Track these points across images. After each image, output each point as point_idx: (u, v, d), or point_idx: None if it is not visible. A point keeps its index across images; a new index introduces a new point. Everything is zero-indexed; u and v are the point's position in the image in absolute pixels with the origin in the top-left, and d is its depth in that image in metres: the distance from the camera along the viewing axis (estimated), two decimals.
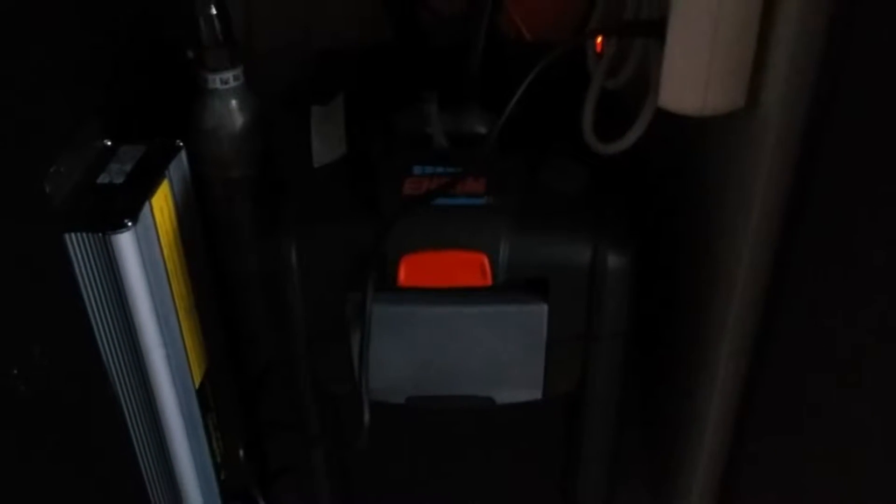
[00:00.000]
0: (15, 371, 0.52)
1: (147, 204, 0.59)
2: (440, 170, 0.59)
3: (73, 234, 0.56)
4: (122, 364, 0.62)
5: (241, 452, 0.77)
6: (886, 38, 0.43)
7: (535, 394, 0.63)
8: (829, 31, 0.45)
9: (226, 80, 0.68)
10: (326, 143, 0.64)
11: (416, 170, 0.60)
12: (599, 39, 0.61)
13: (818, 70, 0.47)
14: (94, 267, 0.58)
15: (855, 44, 0.45)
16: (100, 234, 0.56)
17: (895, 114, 0.45)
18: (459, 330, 0.60)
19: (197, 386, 0.70)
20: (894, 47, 0.43)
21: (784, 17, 0.47)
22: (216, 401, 0.73)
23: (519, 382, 0.62)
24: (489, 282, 0.57)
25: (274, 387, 0.79)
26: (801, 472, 0.59)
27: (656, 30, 0.50)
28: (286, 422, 0.68)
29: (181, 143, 0.65)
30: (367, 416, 0.60)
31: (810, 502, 0.60)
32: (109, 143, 0.64)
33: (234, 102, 0.69)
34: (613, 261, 0.58)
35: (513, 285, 0.58)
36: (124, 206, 0.58)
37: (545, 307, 0.59)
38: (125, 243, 0.57)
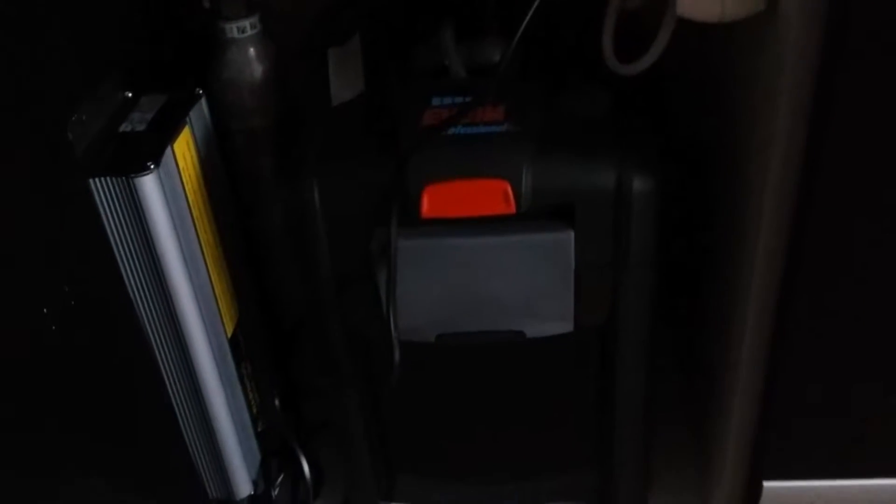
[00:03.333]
0: (45, 310, 0.52)
1: (169, 148, 0.60)
2: (459, 100, 0.59)
3: (97, 179, 0.57)
4: (152, 307, 0.62)
5: (277, 402, 0.78)
6: None
7: (567, 326, 0.62)
8: None
9: (243, 28, 0.68)
10: (345, 82, 0.64)
11: (435, 101, 0.59)
12: None
13: None
14: (119, 211, 0.58)
15: None
16: (123, 178, 0.57)
17: None
18: (486, 261, 0.59)
19: (229, 335, 0.70)
20: None
21: None
22: (249, 351, 0.74)
23: (549, 314, 0.62)
24: (513, 209, 0.56)
25: (306, 339, 0.79)
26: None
27: None
28: (319, 369, 0.68)
29: (201, 91, 0.66)
30: (397, 356, 0.60)
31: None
32: (130, 95, 0.64)
33: (252, 51, 0.69)
34: (639, 184, 0.57)
35: (538, 213, 0.57)
36: (147, 151, 0.58)
37: (571, 234, 0.58)
38: (149, 186, 0.57)
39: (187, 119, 0.63)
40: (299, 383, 0.83)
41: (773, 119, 0.51)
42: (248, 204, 0.73)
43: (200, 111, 0.65)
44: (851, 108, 0.48)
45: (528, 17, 0.54)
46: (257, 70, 0.69)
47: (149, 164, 0.57)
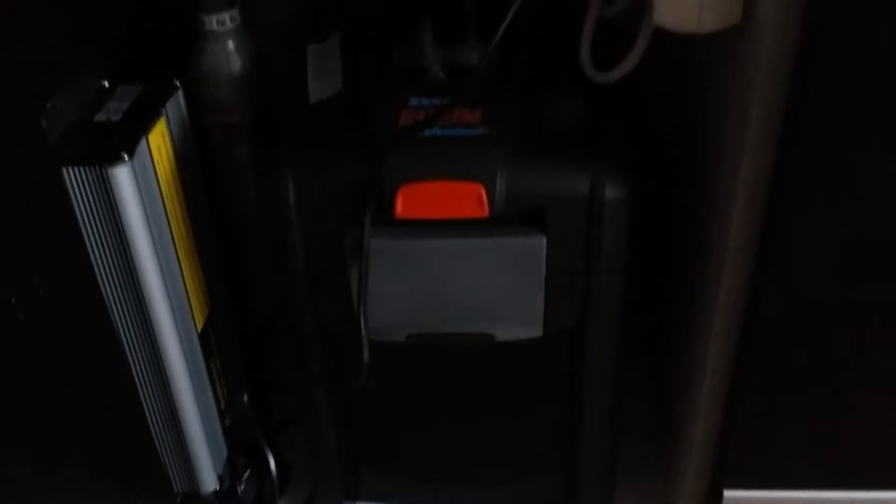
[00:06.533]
0: (14, 300, 0.52)
1: (144, 140, 0.60)
2: (436, 101, 0.59)
3: (70, 168, 0.57)
4: (122, 299, 0.62)
5: (245, 398, 0.78)
6: None
7: (536, 331, 0.62)
8: None
9: (222, 21, 0.68)
10: (323, 80, 0.64)
11: (413, 101, 0.59)
12: None
13: None
14: (92, 201, 0.58)
15: None
16: (96, 168, 0.56)
17: (885, 29, 0.45)
18: (458, 264, 0.60)
19: (199, 329, 0.70)
20: None
21: None
22: (219, 346, 0.73)
23: (519, 318, 0.62)
24: (486, 213, 0.57)
25: (278, 335, 0.79)
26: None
27: None
28: (289, 365, 0.68)
29: (178, 83, 0.65)
30: (366, 355, 0.60)
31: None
32: (107, 84, 0.64)
33: (231, 44, 0.69)
34: (612, 191, 0.57)
35: (511, 217, 0.58)
36: (121, 141, 0.58)
37: (543, 239, 0.58)
38: (122, 176, 0.57)
39: (163, 110, 0.63)
40: (269, 379, 0.83)
41: (744, 129, 0.52)
42: (223, 197, 0.73)
43: (177, 103, 0.65)
44: (822, 121, 0.49)
45: (506, 21, 0.54)
46: (236, 63, 0.69)
47: (123, 154, 0.57)
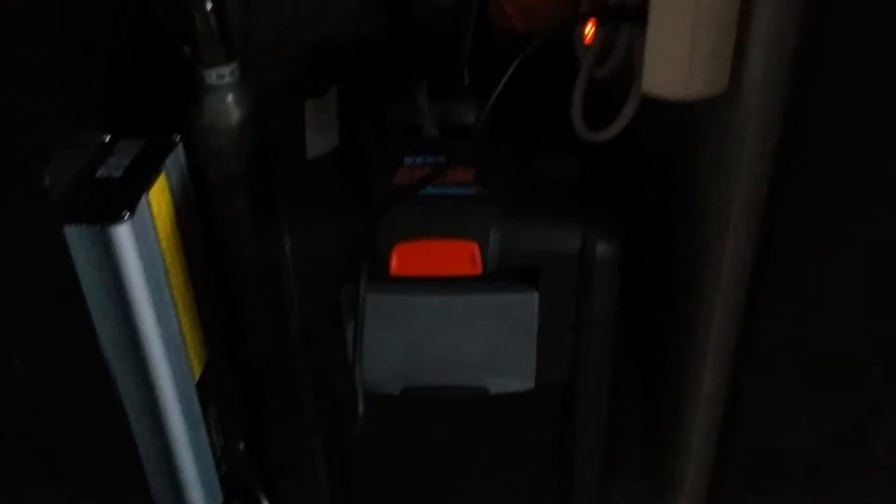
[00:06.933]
0: (17, 361, 0.53)
1: (144, 197, 0.61)
2: (431, 160, 0.60)
3: (72, 227, 0.58)
4: (122, 356, 0.63)
5: (242, 446, 0.78)
6: (862, 25, 0.44)
7: (528, 383, 0.63)
8: (806, 18, 0.46)
9: (222, 75, 0.69)
10: (320, 135, 0.65)
11: (408, 160, 0.60)
12: (587, 30, 0.61)
13: (796, 56, 0.47)
14: (92, 259, 0.59)
15: (831, 30, 0.45)
16: (98, 226, 0.57)
17: (870, 99, 0.46)
18: (452, 319, 0.61)
19: (197, 379, 0.71)
20: (869, 36, 0.44)
21: (762, 3, 0.48)
22: (217, 394, 0.74)
23: (512, 371, 0.63)
24: (479, 271, 0.58)
25: (274, 381, 0.80)
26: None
27: (639, 15, 0.50)
28: (285, 414, 0.69)
29: (178, 138, 0.66)
30: (361, 408, 0.61)
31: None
32: (108, 138, 0.65)
33: (230, 97, 0.70)
34: (602, 249, 0.58)
35: (504, 274, 0.59)
36: (122, 199, 0.59)
37: (536, 296, 0.59)
38: (123, 235, 0.58)
39: (164, 166, 0.64)
40: (266, 423, 0.84)
41: (731, 191, 0.53)
42: (222, 246, 0.74)
43: (177, 157, 0.66)
44: (808, 184, 0.50)
45: (501, 83, 0.55)
46: (235, 116, 0.71)
47: (124, 213, 0.58)
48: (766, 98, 0.50)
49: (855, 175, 0.49)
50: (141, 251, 0.60)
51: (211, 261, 0.72)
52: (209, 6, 0.67)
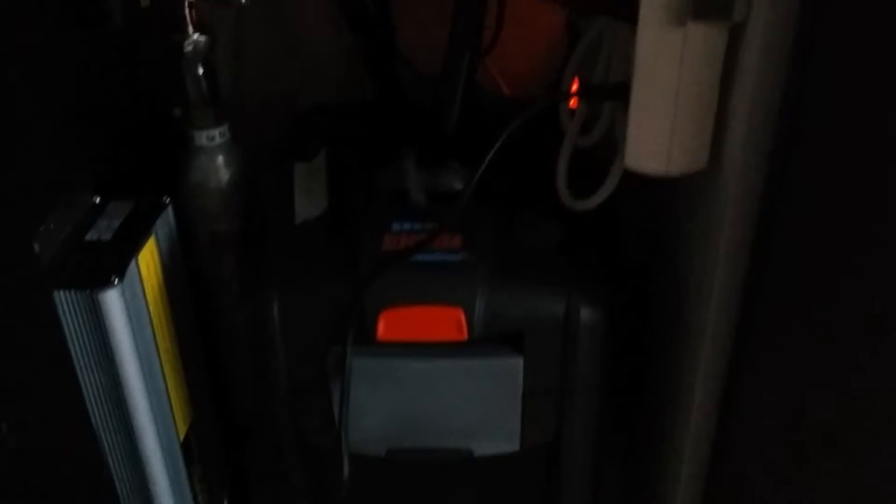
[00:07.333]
0: (4, 427, 0.53)
1: (133, 261, 0.61)
2: (418, 226, 0.61)
3: (61, 292, 0.58)
4: (108, 418, 0.63)
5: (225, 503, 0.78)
6: (839, 106, 0.45)
7: (513, 445, 0.64)
8: (785, 97, 0.48)
9: (212, 136, 0.70)
10: (309, 199, 0.66)
11: (395, 226, 0.61)
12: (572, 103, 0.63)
13: (775, 133, 0.49)
14: (81, 323, 0.59)
15: (809, 109, 0.47)
16: (87, 291, 0.58)
17: (847, 178, 0.47)
18: (437, 383, 0.61)
19: (182, 438, 0.71)
20: (847, 115, 0.46)
21: (741, 83, 0.49)
22: (201, 453, 0.74)
23: (496, 434, 0.63)
24: (465, 336, 0.58)
25: (259, 440, 0.80)
26: None
27: (622, 93, 0.52)
28: (270, 474, 0.69)
29: (168, 200, 0.67)
30: (346, 470, 0.61)
31: None
32: (98, 200, 0.66)
33: (220, 158, 0.71)
34: (587, 314, 0.59)
35: (489, 339, 0.59)
36: (111, 264, 0.60)
37: (521, 361, 0.60)
38: (111, 300, 0.58)
39: (153, 229, 0.65)
40: (250, 483, 0.83)
41: (712, 266, 0.54)
42: (209, 306, 0.75)
43: (166, 219, 0.67)
44: (789, 262, 0.51)
45: (488, 159, 0.56)
46: (224, 176, 0.71)
47: (113, 278, 0.58)
48: (746, 173, 0.51)
49: (835, 246, 0.50)
50: (129, 314, 0.60)
51: (198, 320, 0.73)
52: (200, 70, 0.68)
